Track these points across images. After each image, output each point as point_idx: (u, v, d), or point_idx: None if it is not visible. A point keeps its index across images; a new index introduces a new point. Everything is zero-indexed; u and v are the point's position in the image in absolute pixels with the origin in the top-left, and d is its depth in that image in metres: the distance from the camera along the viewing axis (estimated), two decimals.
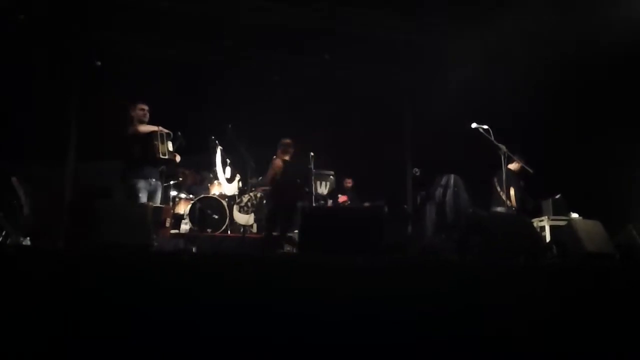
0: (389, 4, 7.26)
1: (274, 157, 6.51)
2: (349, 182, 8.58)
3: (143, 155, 5.34)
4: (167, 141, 5.41)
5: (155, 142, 5.31)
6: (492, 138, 5.88)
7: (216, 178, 7.62)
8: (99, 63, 7.84)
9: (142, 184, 5.28)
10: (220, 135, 7.43)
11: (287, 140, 6.48)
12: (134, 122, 5.44)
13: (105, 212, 4.22)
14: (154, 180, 5.43)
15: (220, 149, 7.27)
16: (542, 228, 6.38)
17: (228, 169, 7.43)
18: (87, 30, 7.64)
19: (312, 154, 7.23)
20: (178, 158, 5.62)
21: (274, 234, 6.46)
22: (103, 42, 7.85)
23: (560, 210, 6.49)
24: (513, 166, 6.50)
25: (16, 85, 7.14)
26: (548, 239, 6.09)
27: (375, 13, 7.45)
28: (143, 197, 5.25)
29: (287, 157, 6.45)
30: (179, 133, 5.58)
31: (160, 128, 5.41)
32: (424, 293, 2.22)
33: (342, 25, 7.65)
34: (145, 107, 5.50)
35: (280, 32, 7.71)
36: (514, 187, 6.35)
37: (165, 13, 7.18)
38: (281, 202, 6.44)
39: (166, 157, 5.37)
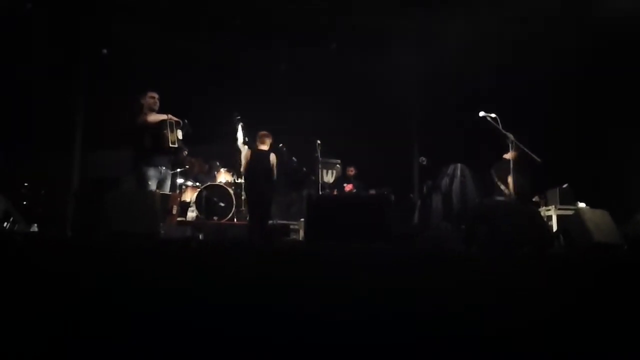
0: None
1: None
2: (351, 171, 8.49)
3: (153, 145, 5.34)
4: (176, 129, 5.41)
5: (165, 131, 5.30)
6: (500, 126, 5.83)
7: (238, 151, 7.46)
8: (105, 51, 7.83)
9: (152, 172, 5.31)
10: (226, 122, 7.37)
11: (262, 132, 6.55)
12: (144, 111, 5.44)
13: (112, 201, 4.26)
14: (164, 168, 5.47)
15: (242, 126, 7.12)
16: (549, 217, 6.35)
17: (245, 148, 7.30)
18: (93, 19, 7.62)
19: (318, 142, 7.19)
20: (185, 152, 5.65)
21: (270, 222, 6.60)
22: (110, 31, 7.82)
23: (568, 199, 6.45)
24: (508, 155, 6.33)
25: (22, 76, 7.15)
26: (555, 228, 6.06)
27: (379, 2, 7.39)
28: (153, 185, 5.29)
29: (264, 147, 6.45)
30: (185, 121, 5.57)
31: (170, 116, 5.40)
32: (425, 288, 2.21)
33: (347, 15, 7.59)
34: (156, 95, 5.50)
35: (286, 24, 7.68)
36: (511, 176, 6.26)
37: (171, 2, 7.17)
38: (251, 191, 6.50)
39: (176, 145, 5.37)
